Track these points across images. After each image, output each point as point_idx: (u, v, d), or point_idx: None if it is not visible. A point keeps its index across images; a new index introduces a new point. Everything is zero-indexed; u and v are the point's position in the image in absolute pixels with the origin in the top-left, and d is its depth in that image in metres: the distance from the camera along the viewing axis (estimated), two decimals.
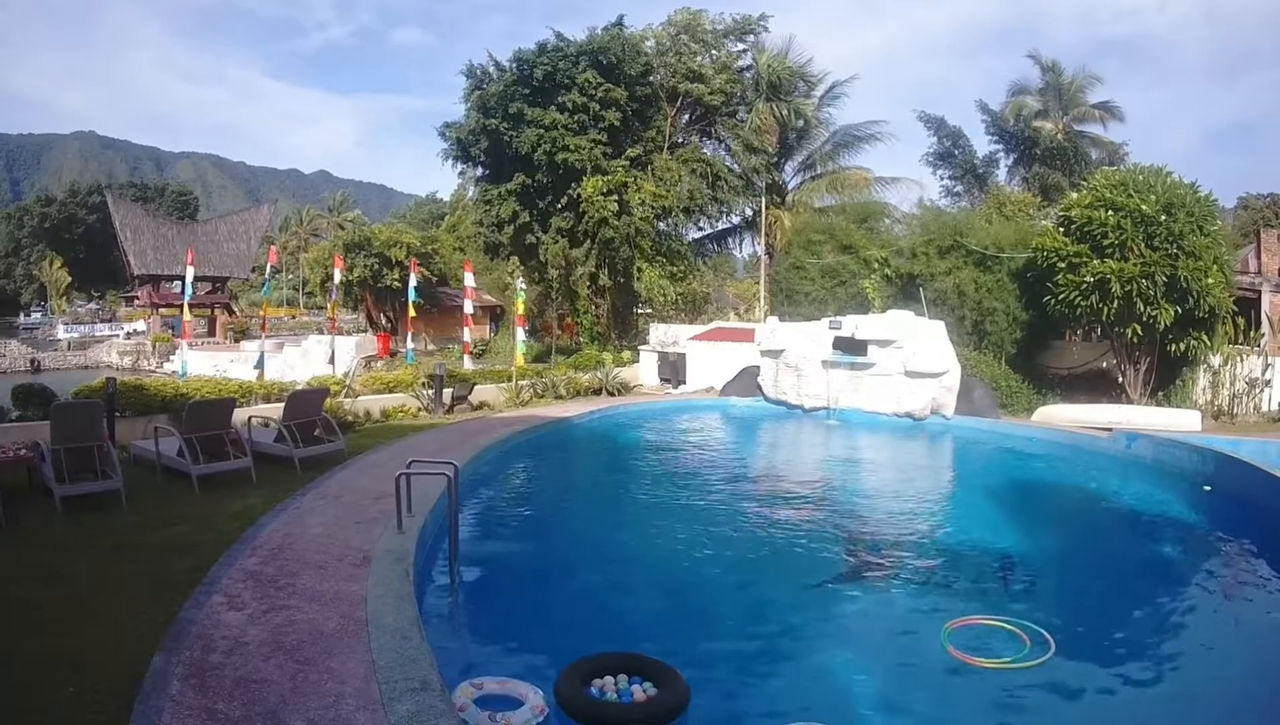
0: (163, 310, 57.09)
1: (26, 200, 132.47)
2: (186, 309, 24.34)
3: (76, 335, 71.75)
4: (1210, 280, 17.52)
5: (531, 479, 14.92)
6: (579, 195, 29.07)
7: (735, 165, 33.72)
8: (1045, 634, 6.84)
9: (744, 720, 6.07)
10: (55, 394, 14.48)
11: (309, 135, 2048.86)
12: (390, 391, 19.59)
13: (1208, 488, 12.38)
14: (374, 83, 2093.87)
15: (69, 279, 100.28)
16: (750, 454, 17.77)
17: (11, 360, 53.59)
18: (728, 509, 12.00)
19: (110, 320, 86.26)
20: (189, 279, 23.16)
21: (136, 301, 64.99)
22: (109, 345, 60.00)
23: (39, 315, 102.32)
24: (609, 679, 5.88)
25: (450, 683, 5.38)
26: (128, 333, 67.97)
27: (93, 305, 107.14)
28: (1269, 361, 18.84)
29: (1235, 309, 19.30)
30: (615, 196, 28.68)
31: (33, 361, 54.08)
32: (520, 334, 23.59)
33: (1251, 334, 19.62)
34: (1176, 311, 17.65)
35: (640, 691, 5.74)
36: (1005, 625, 7.10)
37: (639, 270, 30.49)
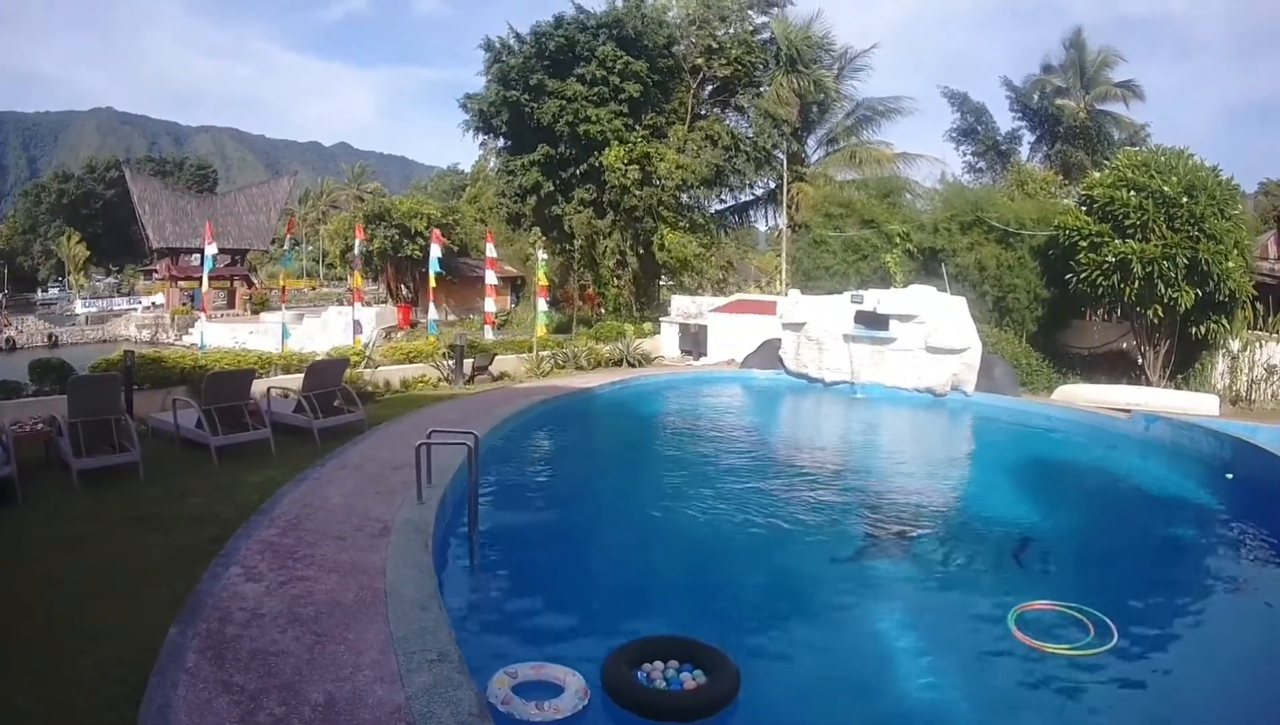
0: (181, 283, 57.25)
1: (43, 177, 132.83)
2: (205, 281, 24.31)
3: (94, 310, 72.09)
4: (1231, 264, 17.30)
5: (552, 449, 14.86)
6: (601, 165, 28.97)
7: (754, 137, 33.41)
8: (1109, 622, 6.74)
9: (794, 705, 5.86)
10: (73, 368, 14.41)
11: (329, 108, 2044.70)
12: (410, 362, 19.63)
13: (1229, 475, 12.19)
14: (394, 54, 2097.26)
15: (87, 254, 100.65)
16: (772, 426, 17.70)
17: (29, 336, 53.98)
18: (750, 481, 11.87)
19: (129, 294, 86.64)
20: (209, 253, 22.99)
21: (155, 275, 65.24)
22: (127, 319, 60.35)
23: (56, 290, 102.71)
24: (657, 664, 5.70)
25: (469, 656, 5.30)
26: (146, 306, 68.19)
27: (111, 279, 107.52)
28: None
29: (1255, 294, 19.09)
30: (638, 166, 28.55)
31: (50, 336, 54.49)
32: (541, 305, 23.48)
33: (1270, 320, 19.39)
34: (1197, 294, 17.43)
35: (690, 679, 5.55)
36: (1071, 611, 7.01)
37: (661, 236, 30.34)
